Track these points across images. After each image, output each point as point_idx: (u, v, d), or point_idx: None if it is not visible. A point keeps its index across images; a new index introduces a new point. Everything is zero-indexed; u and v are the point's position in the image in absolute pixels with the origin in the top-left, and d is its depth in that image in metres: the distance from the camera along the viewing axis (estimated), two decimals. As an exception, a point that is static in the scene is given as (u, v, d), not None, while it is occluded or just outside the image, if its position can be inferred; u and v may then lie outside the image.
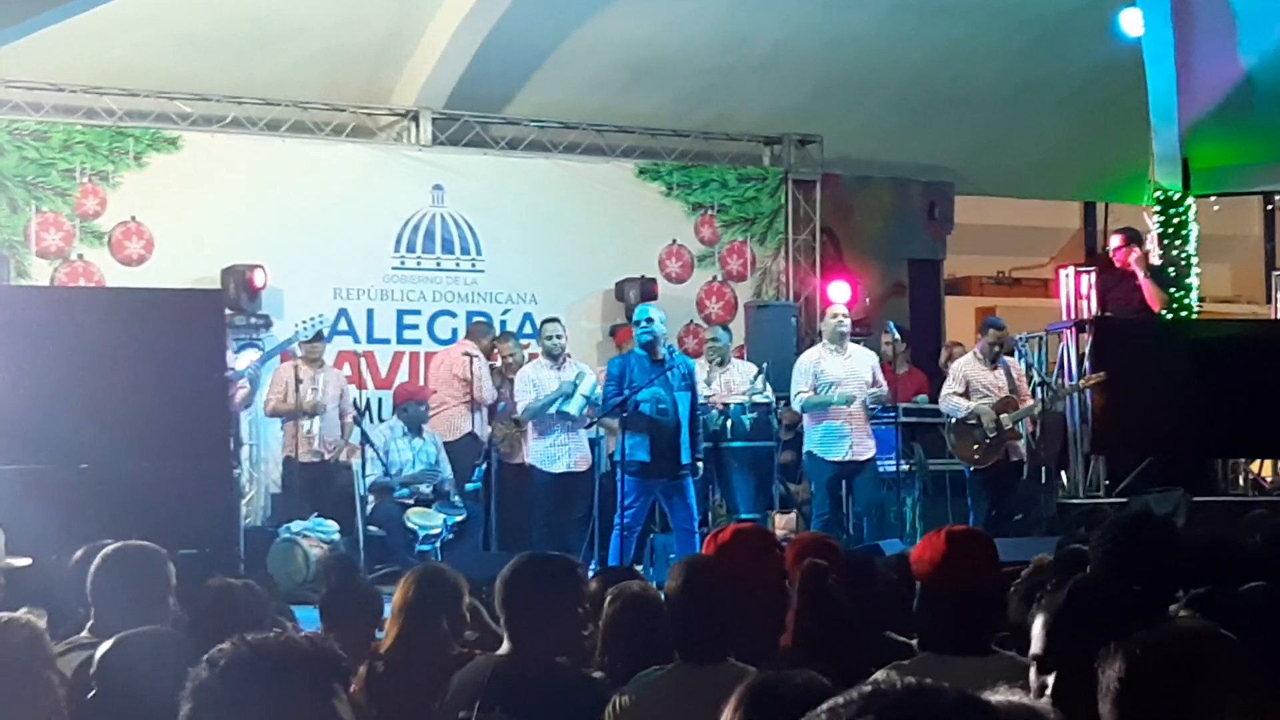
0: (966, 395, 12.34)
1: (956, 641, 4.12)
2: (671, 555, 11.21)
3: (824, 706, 1.11)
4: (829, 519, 12.02)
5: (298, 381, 12.32)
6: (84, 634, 4.86)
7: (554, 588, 4.51)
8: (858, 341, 13.06)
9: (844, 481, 12.25)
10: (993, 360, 12.47)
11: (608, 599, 4.97)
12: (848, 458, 12.10)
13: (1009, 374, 12.45)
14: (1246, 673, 2.72)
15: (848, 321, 12.54)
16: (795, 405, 12.48)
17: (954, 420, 12.46)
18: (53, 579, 6.09)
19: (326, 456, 12.63)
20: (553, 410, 12.31)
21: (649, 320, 11.48)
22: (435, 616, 5.12)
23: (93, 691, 3.44)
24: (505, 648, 4.46)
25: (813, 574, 4.56)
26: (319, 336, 12.79)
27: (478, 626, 5.67)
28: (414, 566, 5.62)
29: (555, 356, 12.48)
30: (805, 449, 12.45)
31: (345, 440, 12.89)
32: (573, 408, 12.27)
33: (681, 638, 4.36)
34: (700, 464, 11.58)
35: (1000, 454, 12.22)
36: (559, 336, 12.55)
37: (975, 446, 12.20)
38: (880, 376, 12.44)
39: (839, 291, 14.66)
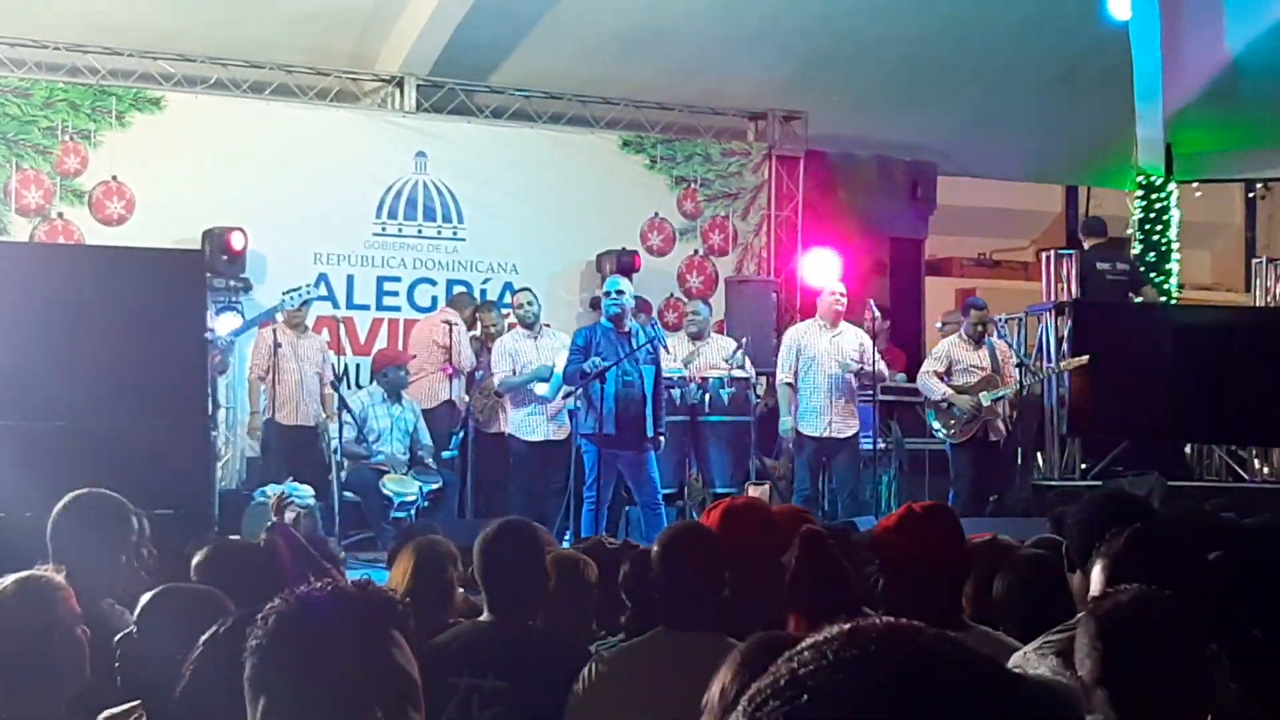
0: (948, 374, 12.36)
1: (924, 616, 4.12)
2: (643, 529, 11.27)
3: (805, 644, 1.11)
4: (808, 495, 12.05)
5: (276, 345, 12.28)
6: None
7: (527, 554, 4.54)
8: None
9: (824, 458, 12.27)
10: (976, 340, 12.48)
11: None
12: (826, 434, 12.11)
13: (993, 354, 12.46)
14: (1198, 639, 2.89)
15: (844, 300, 12.49)
16: (779, 387, 12.48)
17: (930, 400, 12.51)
18: (24, 534, 6.06)
19: (303, 422, 12.61)
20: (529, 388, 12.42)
21: (619, 292, 11.48)
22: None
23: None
24: (486, 615, 4.49)
25: (813, 539, 4.57)
26: (304, 305, 12.74)
27: None
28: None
29: (530, 325, 12.62)
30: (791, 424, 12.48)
31: (324, 408, 12.85)
32: (543, 389, 12.35)
33: (666, 604, 4.36)
34: (663, 438, 11.59)
35: (978, 429, 12.24)
36: (530, 304, 12.68)
37: (951, 421, 12.24)
38: (869, 355, 12.40)
39: (819, 269, 14.71)
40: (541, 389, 12.37)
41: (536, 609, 4.60)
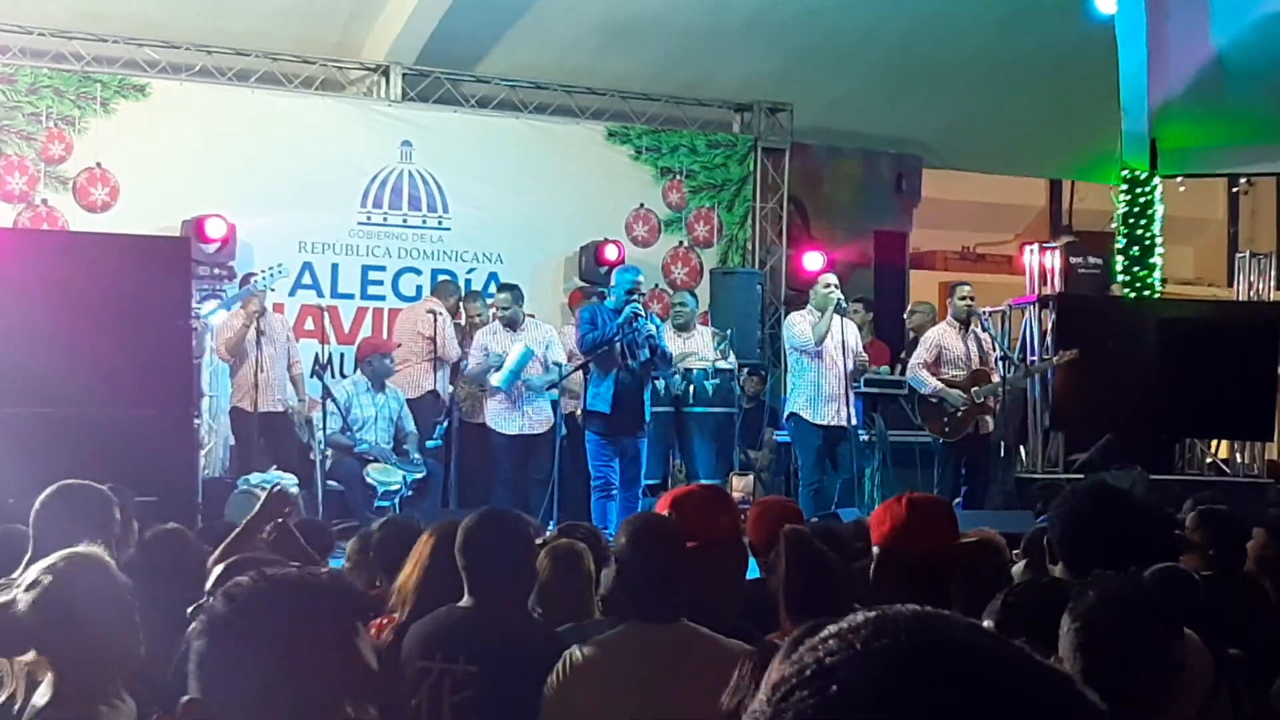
0: (937, 364, 12.26)
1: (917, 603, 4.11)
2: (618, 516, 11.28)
3: (829, 631, 1.10)
4: (818, 487, 12.00)
5: (260, 333, 12.26)
6: (16, 573, 4.77)
7: (509, 541, 4.54)
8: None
9: (830, 447, 12.19)
10: (964, 323, 12.40)
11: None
12: (835, 422, 12.09)
13: (979, 345, 12.38)
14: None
15: (838, 292, 12.39)
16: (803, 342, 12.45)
17: (919, 395, 12.40)
18: (8, 520, 6.05)
19: (280, 408, 12.59)
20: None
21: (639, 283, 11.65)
22: None
23: None
24: (466, 600, 4.49)
25: (797, 538, 4.55)
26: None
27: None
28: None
29: (508, 325, 12.63)
30: (789, 411, 12.43)
31: (298, 391, 12.85)
32: (496, 379, 12.36)
33: (633, 597, 4.34)
34: (648, 425, 11.66)
35: (970, 426, 12.17)
36: (506, 308, 12.67)
37: (945, 419, 12.14)
38: (860, 347, 12.50)
39: (813, 261, 14.78)
40: (495, 378, 12.42)
41: (518, 596, 4.60)
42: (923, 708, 1.04)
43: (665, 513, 4.77)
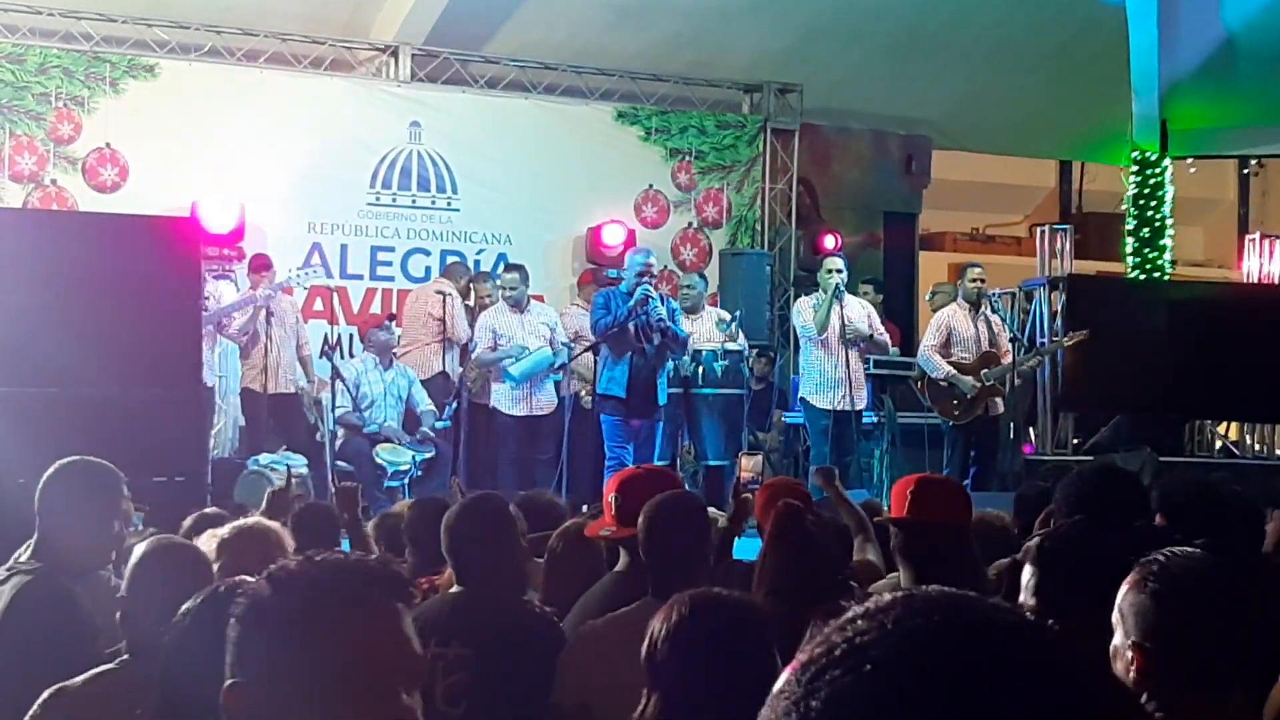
0: (947, 346, 12.21)
1: (931, 581, 4.13)
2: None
3: (856, 611, 1.11)
4: (828, 465, 11.99)
5: (269, 315, 12.28)
6: (24, 555, 4.73)
7: (489, 526, 4.57)
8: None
9: (836, 431, 12.18)
10: (974, 304, 12.35)
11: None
12: (840, 406, 12.08)
13: (990, 327, 12.32)
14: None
15: (838, 277, 12.32)
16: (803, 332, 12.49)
17: (928, 378, 12.35)
18: (19, 501, 6.06)
19: (292, 389, 12.63)
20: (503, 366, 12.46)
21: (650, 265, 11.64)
22: None
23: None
24: (456, 588, 4.55)
25: (789, 514, 4.58)
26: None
27: None
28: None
29: (516, 305, 12.60)
30: (799, 395, 12.48)
31: (306, 372, 12.88)
32: (516, 369, 12.35)
33: (652, 573, 4.38)
34: (662, 408, 11.68)
35: (981, 409, 12.13)
36: (514, 287, 12.63)
37: (955, 402, 12.09)
38: (878, 325, 12.48)
39: (829, 242, 14.80)
40: (514, 368, 12.41)
41: (507, 581, 4.62)
42: (957, 686, 1.05)
43: (612, 495, 4.84)
